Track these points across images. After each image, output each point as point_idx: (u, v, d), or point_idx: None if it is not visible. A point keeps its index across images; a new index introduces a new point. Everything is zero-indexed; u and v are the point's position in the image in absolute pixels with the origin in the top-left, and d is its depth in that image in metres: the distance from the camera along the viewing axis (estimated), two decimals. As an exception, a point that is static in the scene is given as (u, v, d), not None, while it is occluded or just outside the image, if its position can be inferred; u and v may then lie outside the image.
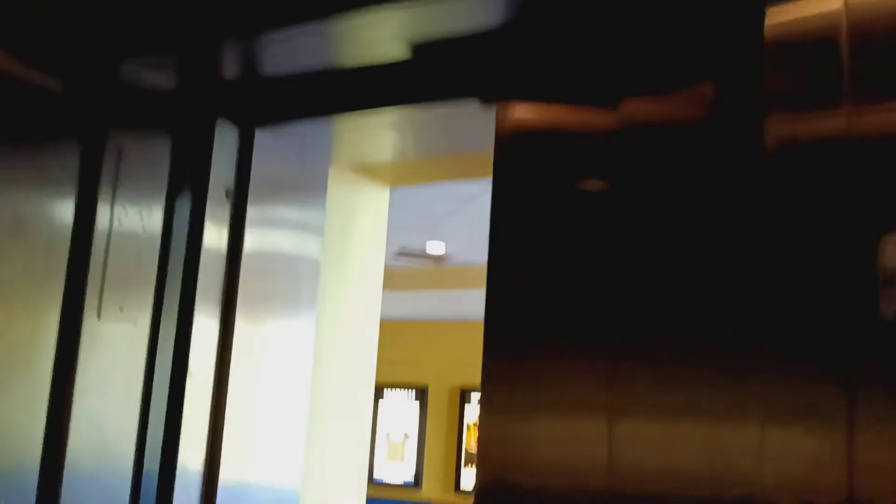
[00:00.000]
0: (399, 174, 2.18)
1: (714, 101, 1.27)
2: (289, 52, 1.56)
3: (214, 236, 1.76)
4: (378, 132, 1.78)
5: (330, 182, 1.99)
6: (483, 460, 1.31)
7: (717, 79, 1.27)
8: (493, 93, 1.39)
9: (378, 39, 1.45)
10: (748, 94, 1.22)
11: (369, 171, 2.15)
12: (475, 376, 1.34)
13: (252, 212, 1.81)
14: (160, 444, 1.65)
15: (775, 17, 1.20)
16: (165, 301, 1.69)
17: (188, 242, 1.74)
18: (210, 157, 1.77)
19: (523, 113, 1.37)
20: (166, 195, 1.72)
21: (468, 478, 10.00)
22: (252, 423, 1.77)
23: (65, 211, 1.53)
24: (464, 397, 10.17)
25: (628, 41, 1.33)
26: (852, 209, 1.09)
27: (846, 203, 1.10)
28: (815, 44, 1.17)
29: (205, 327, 1.72)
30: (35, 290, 1.47)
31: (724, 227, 1.19)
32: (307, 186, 1.96)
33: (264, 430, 1.80)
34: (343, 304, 2.16)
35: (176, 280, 1.72)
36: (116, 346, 1.58)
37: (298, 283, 1.90)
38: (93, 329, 1.53)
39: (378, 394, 9.85)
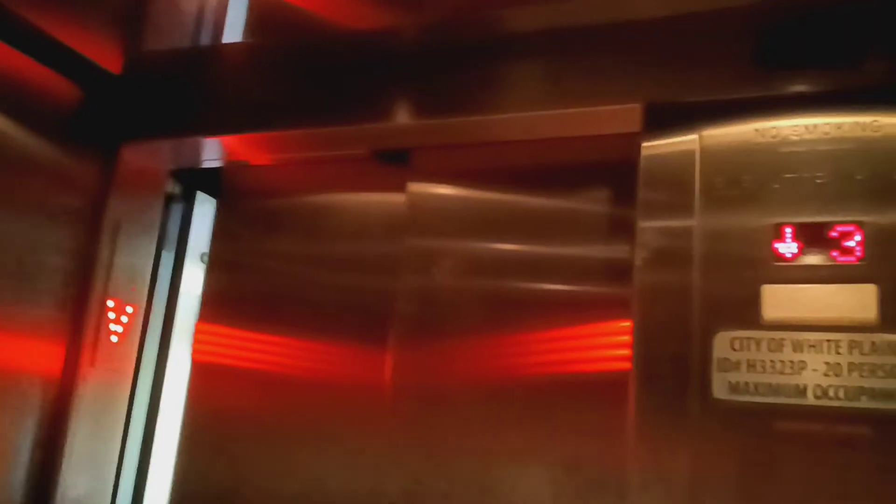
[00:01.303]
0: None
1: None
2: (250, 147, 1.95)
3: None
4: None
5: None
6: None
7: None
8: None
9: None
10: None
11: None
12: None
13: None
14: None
15: (648, 150, 1.56)
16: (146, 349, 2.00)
17: (169, 288, 2.08)
18: (190, 220, 2.11)
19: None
20: (154, 253, 2.03)
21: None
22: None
23: (70, 270, 1.83)
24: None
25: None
26: (691, 305, 1.43)
27: (691, 297, 1.45)
28: (676, 167, 1.53)
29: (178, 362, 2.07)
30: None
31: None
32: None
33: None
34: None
35: (156, 333, 2.03)
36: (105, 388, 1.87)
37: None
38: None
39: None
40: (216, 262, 2.10)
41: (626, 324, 1.50)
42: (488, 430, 1.70)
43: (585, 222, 1.75)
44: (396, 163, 1.89)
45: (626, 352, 1.48)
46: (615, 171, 1.70)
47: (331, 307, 1.93)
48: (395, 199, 1.92)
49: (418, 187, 1.90)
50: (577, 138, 1.71)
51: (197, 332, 2.04)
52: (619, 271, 1.63)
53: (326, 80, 1.81)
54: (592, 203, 1.76)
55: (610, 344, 1.63)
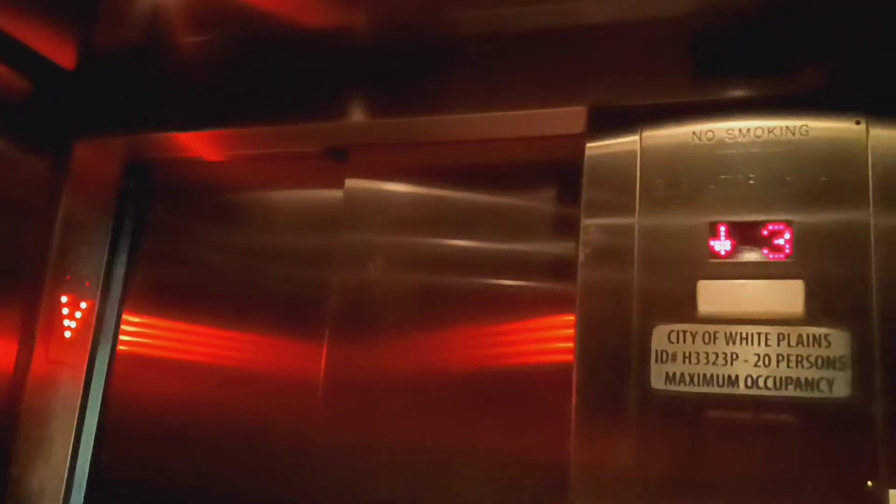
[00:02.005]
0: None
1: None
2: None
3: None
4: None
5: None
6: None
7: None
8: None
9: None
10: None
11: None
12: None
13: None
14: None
15: (592, 150, 1.62)
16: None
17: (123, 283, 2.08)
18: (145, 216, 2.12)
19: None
20: (109, 249, 2.04)
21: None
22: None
23: (24, 266, 1.84)
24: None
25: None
26: (631, 300, 1.50)
27: (631, 292, 1.51)
28: (618, 168, 1.59)
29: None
30: None
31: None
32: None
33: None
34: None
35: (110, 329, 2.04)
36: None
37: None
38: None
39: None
40: (144, 254, 2.12)
41: (571, 318, 1.56)
42: (426, 423, 1.76)
43: (532, 220, 1.81)
44: (336, 159, 1.93)
45: (569, 345, 1.54)
46: (562, 171, 1.75)
47: (265, 300, 1.97)
48: (335, 194, 1.96)
49: (355, 183, 1.94)
50: (527, 139, 1.77)
51: (123, 322, 2.05)
52: (564, 267, 1.68)
53: (282, 78, 1.84)
54: (539, 202, 1.81)
55: (554, 337, 1.69)
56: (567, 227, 1.70)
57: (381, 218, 1.90)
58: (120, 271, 2.06)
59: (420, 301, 1.83)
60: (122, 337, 2.06)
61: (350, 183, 1.94)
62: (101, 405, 2.02)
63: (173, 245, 2.10)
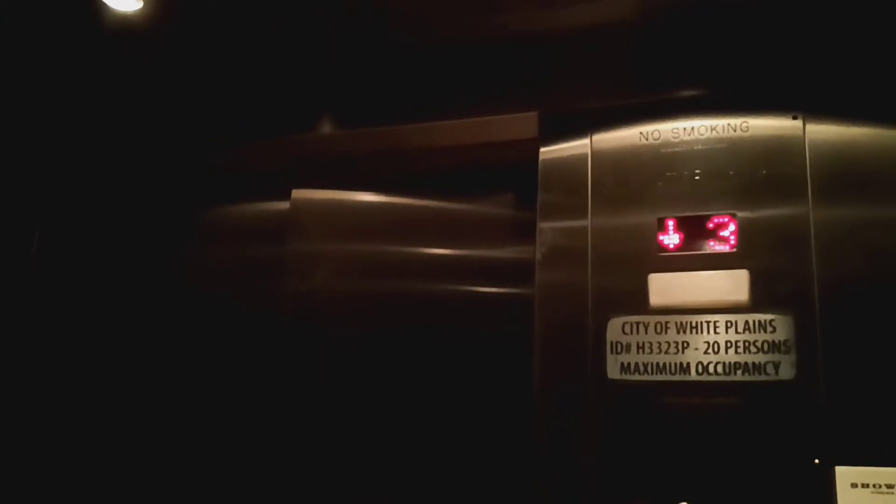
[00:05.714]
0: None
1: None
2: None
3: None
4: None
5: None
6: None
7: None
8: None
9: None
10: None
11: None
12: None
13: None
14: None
15: (545, 155, 1.68)
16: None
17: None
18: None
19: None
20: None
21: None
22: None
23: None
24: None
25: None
26: (586, 296, 1.56)
27: (586, 288, 1.57)
28: (570, 170, 1.65)
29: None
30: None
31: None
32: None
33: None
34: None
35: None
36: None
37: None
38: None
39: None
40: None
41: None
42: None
43: (493, 225, 1.86)
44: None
45: (529, 341, 1.60)
46: (520, 176, 1.80)
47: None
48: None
49: (302, 193, 1.98)
50: (483, 145, 1.83)
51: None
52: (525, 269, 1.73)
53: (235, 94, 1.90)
54: (499, 207, 1.87)
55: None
56: (527, 230, 1.74)
57: (335, 227, 1.94)
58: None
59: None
60: None
61: (297, 193, 1.98)
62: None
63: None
